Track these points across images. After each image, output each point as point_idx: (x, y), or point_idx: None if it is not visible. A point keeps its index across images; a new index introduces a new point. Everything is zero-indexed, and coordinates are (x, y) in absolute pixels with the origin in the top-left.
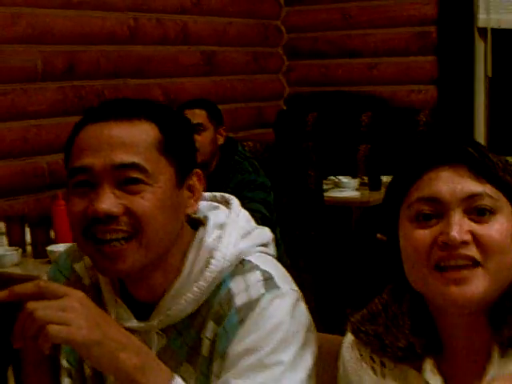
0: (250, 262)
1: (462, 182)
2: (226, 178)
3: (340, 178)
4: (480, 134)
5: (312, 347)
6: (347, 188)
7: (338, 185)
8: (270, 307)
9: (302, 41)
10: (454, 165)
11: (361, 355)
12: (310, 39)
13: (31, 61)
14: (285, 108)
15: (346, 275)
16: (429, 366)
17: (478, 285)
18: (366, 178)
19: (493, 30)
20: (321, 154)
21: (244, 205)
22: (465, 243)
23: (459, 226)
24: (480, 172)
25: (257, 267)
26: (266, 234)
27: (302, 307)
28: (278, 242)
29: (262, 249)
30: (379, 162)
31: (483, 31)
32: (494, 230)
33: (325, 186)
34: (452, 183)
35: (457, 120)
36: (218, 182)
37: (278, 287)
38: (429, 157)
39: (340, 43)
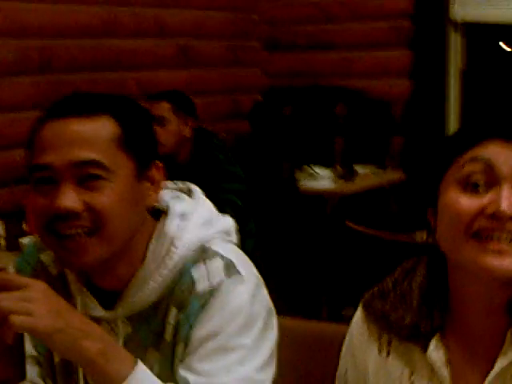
0: (212, 249)
1: None
2: (199, 170)
3: (315, 168)
4: (453, 127)
5: (273, 330)
6: (320, 178)
7: (312, 176)
8: (230, 292)
9: (278, 33)
10: (508, 140)
11: (369, 332)
12: (287, 32)
13: (6, 55)
14: (261, 100)
15: (321, 264)
16: (433, 346)
17: None
18: (340, 169)
19: (466, 23)
20: (296, 146)
21: (218, 195)
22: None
23: (509, 200)
24: None
25: (218, 254)
26: (228, 222)
27: (263, 292)
28: (252, 233)
29: (224, 236)
30: (354, 154)
31: (457, 25)
32: None
33: (300, 177)
34: (507, 155)
35: (430, 112)
36: (191, 174)
37: (238, 273)
38: (488, 126)
39: (316, 36)
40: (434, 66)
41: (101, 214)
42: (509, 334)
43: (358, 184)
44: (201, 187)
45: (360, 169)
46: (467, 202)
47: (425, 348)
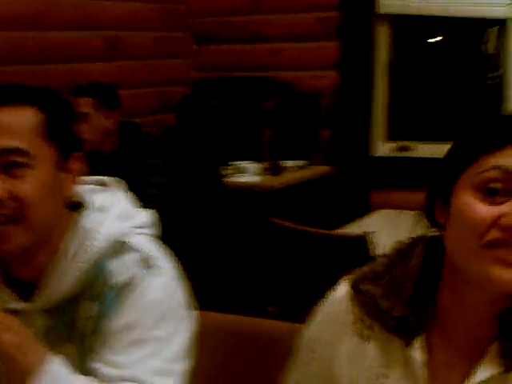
0: (130, 243)
1: None
2: (124, 163)
3: (241, 162)
4: (379, 119)
5: (189, 323)
6: (248, 173)
7: (239, 170)
8: (147, 285)
9: (208, 25)
10: None
11: (352, 312)
12: (216, 24)
13: None
14: (190, 93)
15: (247, 260)
16: (419, 343)
17: None
18: (267, 163)
19: (394, 15)
20: (224, 139)
21: (143, 189)
22: None
23: None
24: None
25: (135, 248)
26: (147, 215)
27: (180, 285)
28: (173, 226)
29: (143, 230)
30: (282, 147)
31: (384, 17)
32: None
33: (228, 172)
34: None
35: (357, 105)
36: (117, 167)
37: (155, 266)
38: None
39: (245, 28)
40: (361, 58)
41: (23, 202)
42: (492, 347)
43: (285, 178)
44: (126, 180)
45: (288, 162)
46: (484, 211)
47: (407, 343)
